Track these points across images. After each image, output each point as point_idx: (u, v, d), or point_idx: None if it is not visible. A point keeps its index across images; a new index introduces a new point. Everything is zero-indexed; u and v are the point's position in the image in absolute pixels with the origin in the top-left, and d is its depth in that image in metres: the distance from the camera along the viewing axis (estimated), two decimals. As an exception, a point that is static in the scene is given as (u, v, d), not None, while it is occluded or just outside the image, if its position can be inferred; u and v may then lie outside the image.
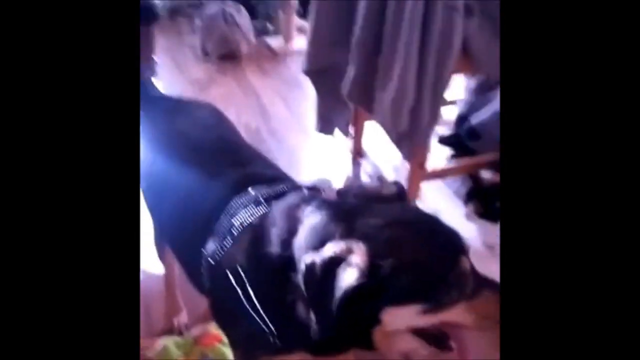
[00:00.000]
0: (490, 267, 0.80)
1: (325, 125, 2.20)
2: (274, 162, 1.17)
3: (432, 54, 1.58)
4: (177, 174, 1.10)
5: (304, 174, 2.27)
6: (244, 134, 1.30)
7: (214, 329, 1.47)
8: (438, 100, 1.68)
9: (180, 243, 1.12)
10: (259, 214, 0.89)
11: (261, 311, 0.84)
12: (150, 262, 1.75)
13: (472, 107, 2.23)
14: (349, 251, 0.71)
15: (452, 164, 2.17)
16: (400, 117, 1.66)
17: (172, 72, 3.38)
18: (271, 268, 0.81)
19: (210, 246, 0.92)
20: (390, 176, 2.25)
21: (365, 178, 2.27)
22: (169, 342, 1.44)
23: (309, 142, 2.51)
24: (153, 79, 2.46)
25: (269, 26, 3.98)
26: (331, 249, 0.72)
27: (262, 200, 0.91)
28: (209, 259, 0.92)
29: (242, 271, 0.85)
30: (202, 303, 1.56)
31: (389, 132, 1.82)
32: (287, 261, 0.78)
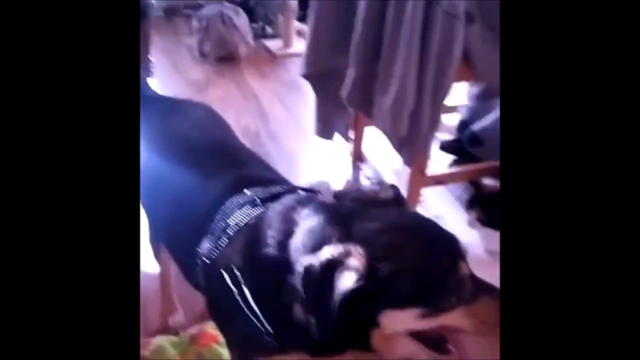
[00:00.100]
0: (491, 274, 0.80)
1: (325, 129, 2.20)
2: (272, 165, 1.16)
3: (432, 60, 1.58)
4: (173, 174, 1.10)
5: (303, 177, 2.27)
6: (242, 137, 1.30)
7: (210, 329, 1.46)
8: (438, 107, 1.68)
9: (175, 242, 1.11)
10: (255, 214, 0.88)
11: (257, 311, 0.83)
12: (146, 262, 1.73)
13: (474, 113, 2.24)
14: (347, 254, 0.70)
15: (454, 170, 2.17)
16: (399, 122, 1.66)
17: (169, 72, 3.38)
18: (267, 269, 0.80)
19: (205, 246, 0.91)
20: (390, 181, 2.25)
21: (365, 183, 2.27)
22: (164, 342, 1.43)
23: (308, 146, 2.51)
24: (149, 79, 2.46)
25: (268, 29, 3.99)
26: (329, 251, 0.71)
27: (258, 201, 0.90)
28: (204, 258, 0.91)
29: (238, 271, 0.84)
30: (198, 303, 1.55)
31: (389, 137, 1.82)
32: (283, 263, 0.77)
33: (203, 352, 1.40)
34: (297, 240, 0.78)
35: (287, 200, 0.89)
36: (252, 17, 3.86)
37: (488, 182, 2.02)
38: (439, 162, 2.22)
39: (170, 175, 1.10)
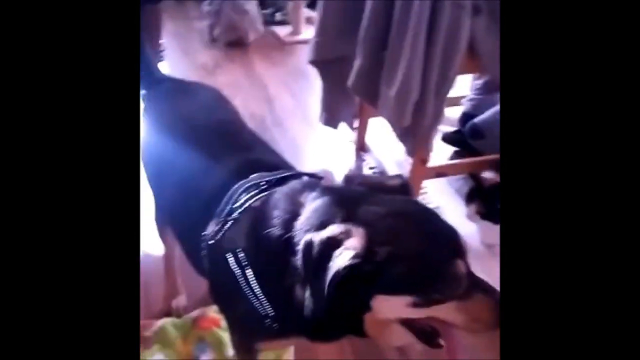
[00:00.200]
0: (489, 267, 0.81)
1: (330, 118, 2.21)
2: (276, 150, 1.18)
3: (438, 51, 1.58)
4: (180, 155, 1.12)
5: (307, 165, 2.28)
6: (248, 122, 1.31)
7: (212, 312, 1.49)
8: (442, 98, 1.69)
9: (181, 224, 1.13)
10: (260, 197, 0.90)
11: (260, 294, 0.85)
12: (150, 244, 1.77)
13: (478, 106, 2.24)
14: (348, 234, 0.72)
15: (455, 162, 2.17)
16: (404, 112, 1.67)
17: (179, 56, 3.39)
18: (271, 250, 0.82)
19: (211, 228, 0.94)
20: (392, 172, 2.27)
21: (367, 172, 2.28)
22: (167, 323, 1.46)
23: (312, 134, 2.52)
24: (159, 63, 2.47)
25: (278, 15, 3.98)
26: (331, 230, 0.73)
27: (264, 185, 0.93)
28: (209, 240, 0.93)
29: (242, 253, 0.87)
30: (201, 287, 1.58)
31: (393, 127, 1.83)
32: (287, 244, 0.79)
33: (204, 335, 1.43)
34: (302, 220, 0.80)
35: (294, 183, 0.91)
36: (262, 3, 3.85)
37: (488, 175, 2.03)
38: (440, 154, 2.22)
39: (177, 157, 1.12)
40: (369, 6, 1.70)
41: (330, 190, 0.85)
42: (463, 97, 2.36)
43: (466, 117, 2.24)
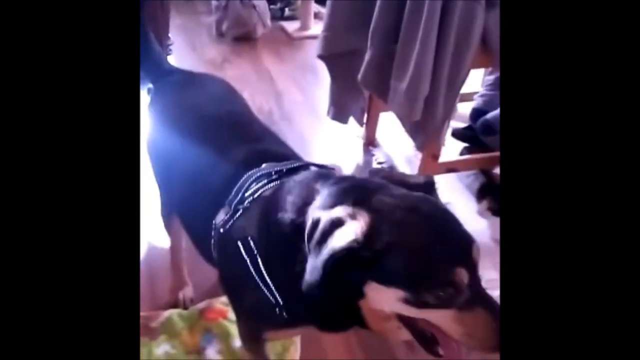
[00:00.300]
0: (498, 262, 0.79)
1: (339, 112, 2.20)
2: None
3: (450, 44, 1.56)
4: (188, 146, 1.11)
5: (314, 159, 2.26)
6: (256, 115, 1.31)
7: (218, 304, 1.48)
8: (454, 93, 1.67)
9: (191, 215, 1.12)
10: (272, 187, 0.90)
11: (269, 282, 0.84)
12: (157, 236, 1.76)
13: (489, 101, 2.21)
14: (354, 217, 0.72)
15: (466, 158, 2.15)
16: (414, 107, 1.65)
17: (187, 51, 3.38)
18: (282, 238, 0.81)
19: (221, 216, 0.93)
20: (402, 167, 2.25)
21: (376, 167, 2.26)
22: (173, 314, 1.45)
23: (321, 129, 2.51)
24: (167, 57, 2.46)
25: (287, 11, 3.98)
26: (338, 210, 0.73)
27: (275, 175, 0.92)
28: (220, 228, 0.93)
29: (252, 241, 0.86)
30: (208, 278, 1.58)
31: (403, 121, 1.81)
32: (299, 230, 0.78)
33: (211, 326, 1.42)
34: (316, 204, 0.79)
35: (308, 172, 0.91)
36: (271, -2, 3.85)
37: (499, 171, 2.01)
38: (451, 149, 2.20)
39: (185, 147, 1.11)
40: (380, -1, 1.68)
41: (347, 179, 0.84)
42: (474, 93, 2.34)
43: (477, 113, 2.22)
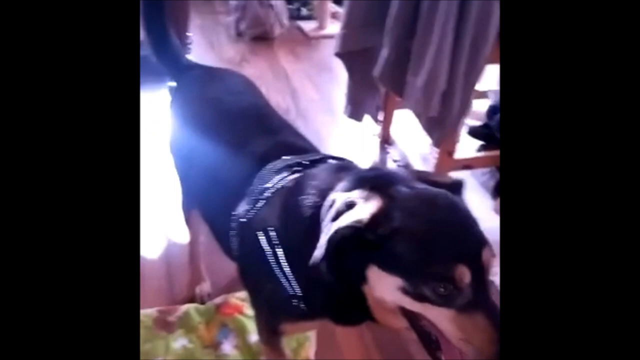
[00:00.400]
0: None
1: (355, 110, 2.20)
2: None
3: (467, 40, 1.56)
4: (209, 139, 1.12)
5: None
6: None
7: (235, 299, 1.50)
8: (470, 88, 1.66)
9: (211, 207, 1.14)
10: (293, 178, 0.91)
11: (288, 273, 0.85)
12: (176, 232, 1.79)
13: (505, 98, 2.20)
14: (367, 199, 0.73)
15: (482, 155, 2.14)
16: (430, 102, 1.65)
17: (205, 50, 3.42)
18: (301, 227, 0.81)
19: (242, 207, 0.94)
20: (417, 165, 2.25)
21: (391, 165, 2.27)
22: (190, 309, 1.47)
23: (336, 127, 2.51)
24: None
25: (304, 10, 3.99)
26: (354, 193, 0.74)
27: (297, 167, 0.93)
28: (240, 219, 0.94)
29: (273, 231, 0.87)
30: (225, 274, 1.61)
31: (419, 117, 1.81)
32: (318, 217, 0.78)
33: (227, 321, 1.44)
34: (337, 189, 0.79)
35: (329, 164, 0.92)
36: (288, -2, 3.88)
37: (499, 171, 1.99)
38: (467, 147, 2.19)
39: (207, 141, 1.12)
40: (397, -5, 1.68)
41: (372, 169, 0.86)
42: (488, 91, 2.32)
43: (494, 110, 2.20)
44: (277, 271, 0.86)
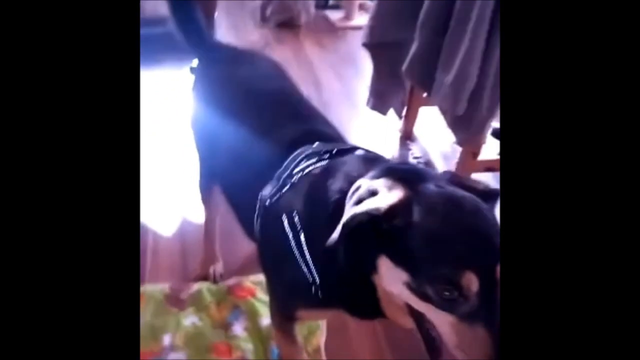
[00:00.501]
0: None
1: (379, 103, 2.18)
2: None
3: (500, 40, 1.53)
4: (236, 120, 1.11)
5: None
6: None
7: (248, 283, 1.50)
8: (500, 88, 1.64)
9: (236, 187, 1.13)
10: (321, 165, 0.90)
11: (309, 259, 0.85)
12: (191, 212, 1.79)
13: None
14: (390, 189, 0.72)
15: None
16: (459, 100, 1.63)
17: (230, 34, 3.41)
18: (326, 213, 0.81)
19: (268, 190, 0.94)
20: (438, 163, 2.22)
21: (411, 162, 2.24)
22: (203, 287, 1.47)
23: (358, 120, 2.49)
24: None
25: (332, 0, 3.97)
26: (379, 182, 0.74)
27: (326, 155, 0.92)
28: (265, 201, 0.93)
29: (297, 215, 0.86)
30: (239, 256, 1.60)
31: (445, 115, 1.79)
32: (343, 203, 0.77)
33: (239, 303, 1.44)
34: (367, 176, 0.79)
35: (357, 155, 0.91)
36: (316, -14, 3.85)
37: (499, 174, 1.96)
38: (491, 149, 2.16)
39: (233, 121, 1.12)
40: (432, -10, 1.66)
41: (405, 163, 0.85)
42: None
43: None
44: (298, 256, 0.86)
